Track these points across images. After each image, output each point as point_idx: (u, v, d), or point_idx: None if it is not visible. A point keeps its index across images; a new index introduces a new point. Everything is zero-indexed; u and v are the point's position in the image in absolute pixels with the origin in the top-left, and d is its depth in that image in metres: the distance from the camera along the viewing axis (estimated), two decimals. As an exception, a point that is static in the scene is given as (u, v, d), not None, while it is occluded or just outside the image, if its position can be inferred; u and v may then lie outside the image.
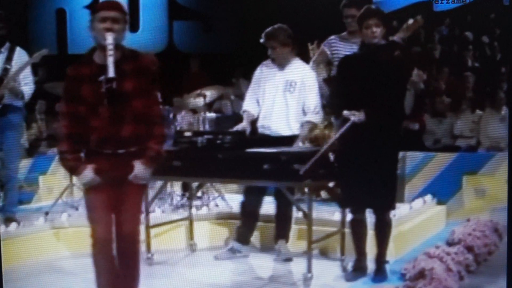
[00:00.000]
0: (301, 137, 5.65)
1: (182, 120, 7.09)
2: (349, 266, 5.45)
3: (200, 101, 6.49)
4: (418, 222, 6.35)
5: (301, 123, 5.68)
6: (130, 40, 9.30)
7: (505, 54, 8.39)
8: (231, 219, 6.27)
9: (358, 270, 5.31)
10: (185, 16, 9.47)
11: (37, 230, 5.96)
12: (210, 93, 6.49)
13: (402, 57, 5.24)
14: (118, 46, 4.11)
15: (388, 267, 5.32)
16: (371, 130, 4.97)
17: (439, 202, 6.94)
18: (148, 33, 9.36)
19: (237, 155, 5.30)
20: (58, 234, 6.00)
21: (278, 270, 5.60)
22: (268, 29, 5.73)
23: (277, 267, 5.68)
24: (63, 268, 5.63)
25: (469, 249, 5.75)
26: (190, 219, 6.19)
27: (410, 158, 7.26)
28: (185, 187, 6.57)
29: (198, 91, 6.54)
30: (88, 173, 4.11)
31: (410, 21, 5.74)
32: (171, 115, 6.57)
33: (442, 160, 7.12)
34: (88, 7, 4.27)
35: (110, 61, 4.02)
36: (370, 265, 5.35)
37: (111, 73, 4.01)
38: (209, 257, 5.91)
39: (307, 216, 5.14)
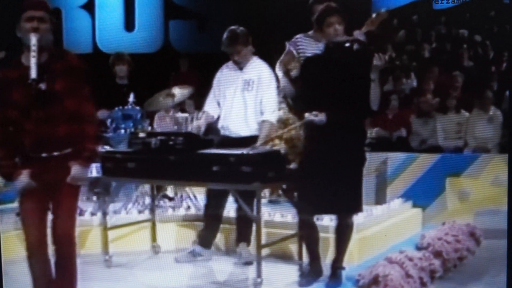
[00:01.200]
0: (261, 137, 5.49)
1: (160, 120, 7.02)
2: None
3: (169, 101, 6.38)
4: (389, 225, 6.14)
5: (258, 123, 5.55)
6: (126, 39, 9.39)
7: (501, 53, 8.15)
8: (199, 221, 6.11)
9: (312, 274, 5.14)
10: (181, 15, 9.39)
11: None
12: (180, 93, 6.38)
13: (366, 56, 5.04)
14: (45, 47, 4.06)
15: (344, 273, 5.14)
16: (335, 131, 4.81)
17: (415, 205, 6.71)
18: (144, 32, 9.31)
19: (187, 157, 5.19)
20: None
21: (234, 274, 5.49)
22: (227, 35, 5.64)
23: (235, 271, 5.57)
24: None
25: (437, 254, 5.55)
26: (153, 221, 6.09)
27: (392, 159, 7.08)
28: (158, 189, 6.49)
29: (167, 91, 6.44)
30: (24, 178, 4.06)
31: (374, 15, 5.65)
32: (138, 115, 6.48)
33: (425, 161, 6.90)
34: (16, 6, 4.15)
35: (33, 62, 3.96)
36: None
37: (33, 74, 3.94)
38: (171, 260, 5.81)
39: (255, 219, 5.03)
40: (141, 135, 5.46)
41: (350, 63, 4.88)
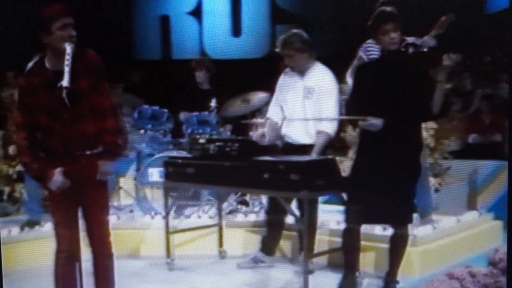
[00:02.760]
0: (316, 147, 5.37)
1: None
2: (365, 282, 5.17)
3: (245, 107, 6.40)
4: (460, 239, 5.82)
5: (316, 132, 5.44)
6: (233, 45, 9.53)
7: None
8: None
9: None
10: (287, 20, 9.38)
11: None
12: (256, 98, 6.37)
13: (426, 64, 4.83)
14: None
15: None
16: (390, 138, 4.63)
17: (497, 218, 6.30)
18: (251, 37, 9.42)
19: (240, 164, 5.20)
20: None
21: (290, 283, 5.40)
22: (281, 37, 5.57)
23: (293, 279, 5.46)
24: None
25: (505, 271, 5.18)
26: (220, 226, 6.14)
27: (484, 167, 6.70)
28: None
29: (243, 96, 6.47)
30: (57, 177, 4.16)
31: (443, 18, 5.40)
32: (214, 121, 6.56)
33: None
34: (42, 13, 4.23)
35: (67, 70, 4.02)
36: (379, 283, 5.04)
37: (66, 82, 4.01)
38: (233, 266, 5.82)
39: (302, 227, 4.97)
40: (201, 141, 5.53)
41: (406, 68, 4.70)
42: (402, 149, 4.68)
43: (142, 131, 6.61)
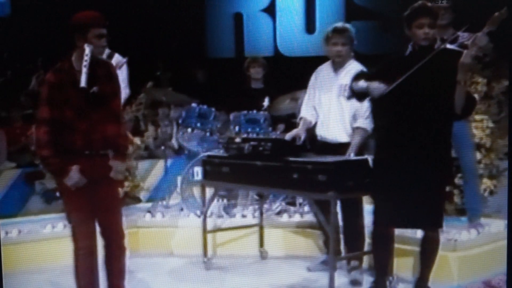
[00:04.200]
0: (352, 145, 5.24)
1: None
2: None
3: (294, 105, 6.31)
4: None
5: (352, 129, 5.31)
6: (307, 42, 9.43)
7: None
8: (312, 229, 5.99)
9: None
10: (362, 16, 9.15)
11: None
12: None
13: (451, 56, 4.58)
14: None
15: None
16: (412, 138, 4.49)
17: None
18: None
19: (271, 163, 5.15)
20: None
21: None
22: (334, 25, 5.52)
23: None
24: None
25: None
26: (260, 226, 6.08)
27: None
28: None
29: (292, 94, 6.38)
30: (75, 174, 4.34)
31: (496, 14, 5.11)
32: (262, 119, 6.50)
33: None
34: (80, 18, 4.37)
35: (84, 71, 4.25)
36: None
37: (83, 83, 4.23)
38: (274, 266, 5.79)
39: (329, 230, 4.85)
40: (237, 140, 5.50)
41: (433, 66, 4.48)
42: (427, 150, 4.49)
43: (189, 129, 6.62)
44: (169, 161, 7.26)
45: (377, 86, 4.58)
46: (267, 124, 6.56)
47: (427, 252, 4.75)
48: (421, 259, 4.79)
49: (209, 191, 5.87)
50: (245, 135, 6.32)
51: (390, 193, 4.60)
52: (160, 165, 7.38)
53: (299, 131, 5.54)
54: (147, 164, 7.35)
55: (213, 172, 5.61)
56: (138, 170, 6.97)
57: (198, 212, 6.31)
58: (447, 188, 5.75)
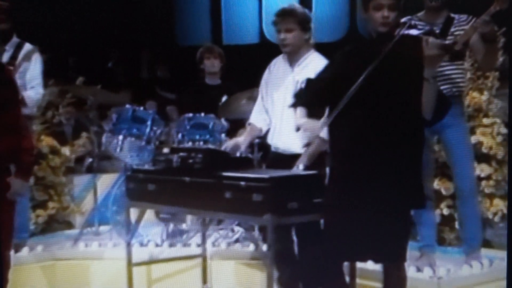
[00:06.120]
0: (303, 156, 4.07)
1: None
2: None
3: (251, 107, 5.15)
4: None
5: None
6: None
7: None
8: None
9: None
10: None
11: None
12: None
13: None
14: None
15: None
16: (379, 148, 3.41)
17: None
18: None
19: (201, 179, 3.99)
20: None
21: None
22: (281, 7, 4.35)
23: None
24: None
25: None
26: (204, 257, 4.91)
27: None
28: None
29: (249, 93, 5.27)
30: None
31: None
32: (211, 124, 5.35)
33: None
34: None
35: None
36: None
37: None
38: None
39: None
40: (165, 150, 4.34)
41: (394, 59, 3.35)
42: (390, 165, 3.41)
43: (120, 137, 5.34)
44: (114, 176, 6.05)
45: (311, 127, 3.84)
46: (220, 130, 5.40)
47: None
48: None
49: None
50: (190, 144, 5.23)
51: (343, 217, 3.47)
52: (104, 181, 6.22)
53: (238, 141, 4.50)
54: (84, 179, 6.22)
55: (137, 190, 4.43)
56: (70, 189, 5.88)
57: (133, 240, 5.13)
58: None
